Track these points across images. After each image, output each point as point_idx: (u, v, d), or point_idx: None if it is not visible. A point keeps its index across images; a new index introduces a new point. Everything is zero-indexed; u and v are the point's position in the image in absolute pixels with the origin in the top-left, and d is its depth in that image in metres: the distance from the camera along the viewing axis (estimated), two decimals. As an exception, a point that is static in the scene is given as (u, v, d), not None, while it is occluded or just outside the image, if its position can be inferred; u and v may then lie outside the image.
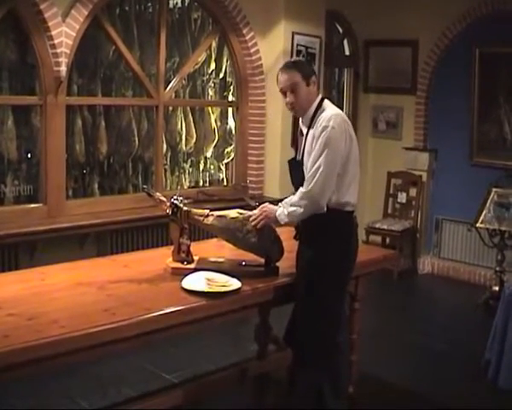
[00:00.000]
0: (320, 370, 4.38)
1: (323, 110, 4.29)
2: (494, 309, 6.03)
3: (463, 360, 6.33)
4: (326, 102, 4.38)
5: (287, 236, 4.55)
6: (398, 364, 6.23)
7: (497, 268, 7.93)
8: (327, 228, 4.26)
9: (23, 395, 4.97)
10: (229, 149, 8.50)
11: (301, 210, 4.19)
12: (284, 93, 4.35)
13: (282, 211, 4.28)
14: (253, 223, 4.38)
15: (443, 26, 8.91)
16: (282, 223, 4.30)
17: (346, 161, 4.23)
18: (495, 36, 8.39)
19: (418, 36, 9.15)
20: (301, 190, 4.20)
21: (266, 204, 4.51)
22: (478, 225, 7.92)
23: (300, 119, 4.44)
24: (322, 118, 4.21)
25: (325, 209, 4.18)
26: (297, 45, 8.00)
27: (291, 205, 4.24)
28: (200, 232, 6.15)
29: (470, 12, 8.63)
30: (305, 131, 4.38)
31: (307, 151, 4.27)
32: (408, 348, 6.64)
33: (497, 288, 7.73)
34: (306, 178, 4.20)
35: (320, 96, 4.39)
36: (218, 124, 8.47)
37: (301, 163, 4.33)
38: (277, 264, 4.46)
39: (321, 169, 4.12)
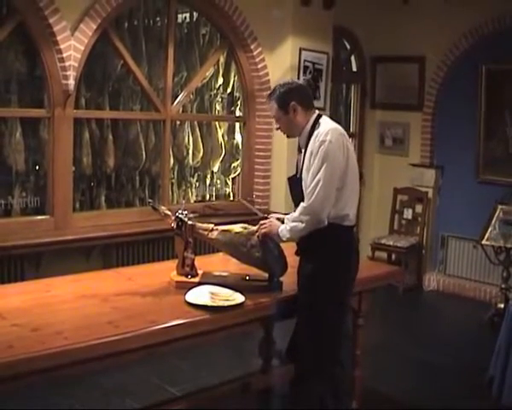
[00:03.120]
0: (321, 384, 4.39)
1: (319, 126, 4.30)
2: (499, 326, 5.98)
3: (467, 377, 6.32)
4: (323, 118, 4.39)
5: (290, 251, 4.53)
6: (402, 379, 6.22)
7: (503, 285, 7.93)
8: (326, 243, 4.26)
9: (24, 402, 4.94)
10: (235, 164, 8.52)
11: (303, 225, 4.20)
12: None
13: (284, 227, 4.30)
14: (255, 228, 4.41)
15: (450, 43, 8.95)
16: (284, 239, 4.31)
17: (345, 175, 4.24)
18: (501, 53, 8.42)
19: (425, 52, 9.19)
20: (302, 205, 4.21)
21: (272, 217, 4.55)
22: (483, 242, 7.91)
23: (298, 137, 4.46)
24: (320, 133, 4.23)
25: (326, 223, 4.19)
26: (304, 61, 8.03)
27: (292, 221, 4.25)
28: (206, 246, 6.16)
29: (477, 29, 8.67)
30: (303, 148, 4.40)
31: (305, 167, 4.28)
32: (412, 364, 6.62)
33: (502, 305, 7.70)
34: (306, 193, 4.20)
35: (316, 114, 4.39)
36: (225, 139, 8.48)
37: (301, 180, 4.34)
38: (281, 279, 4.45)
39: (320, 183, 4.13)
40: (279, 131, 4.52)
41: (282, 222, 4.94)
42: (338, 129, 4.31)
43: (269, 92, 4.51)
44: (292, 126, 4.39)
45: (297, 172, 4.48)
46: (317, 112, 4.42)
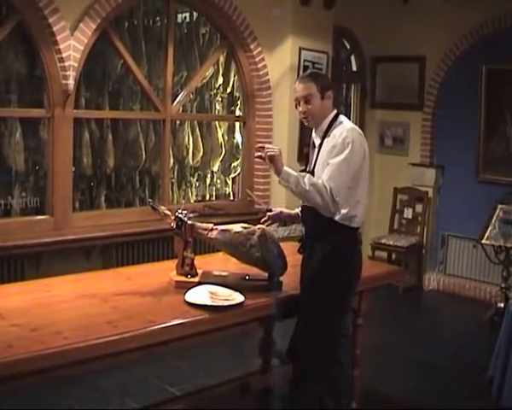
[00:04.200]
0: (320, 384, 4.39)
1: (340, 123, 4.32)
2: (499, 326, 5.97)
3: (467, 377, 6.31)
4: (342, 116, 4.41)
5: (290, 250, 4.56)
6: (401, 379, 6.21)
7: (503, 285, 7.90)
8: (331, 243, 4.26)
9: (23, 402, 4.93)
10: (235, 164, 8.51)
11: (319, 199, 4.13)
12: (298, 102, 4.38)
13: (298, 174, 4.19)
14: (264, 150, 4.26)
15: (450, 43, 8.94)
16: (285, 176, 4.16)
17: (358, 176, 4.26)
18: (502, 53, 8.42)
19: (425, 52, 9.17)
20: (326, 184, 4.14)
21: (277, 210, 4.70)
22: (483, 241, 7.89)
23: (313, 131, 4.46)
24: (341, 130, 4.25)
25: (335, 216, 4.20)
26: (304, 61, 8.01)
27: (317, 181, 4.16)
28: (206, 246, 6.15)
29: (477, 29, 8.65)
30: (317, 142, 4.39)
31: (322, 162, 4.27)
32: (412, 364, 6.61)
33: (502, 305, 7.66)
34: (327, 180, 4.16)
35: (336, 111, 4.41)
36: (225, 138, 8.48)
37: (312, 174, 4.32)
38: (281, 278, 4.43)
39: (342, 178, 4.15)
40: (300, 116, 4.45)
41: (285, 224, 4.98)
42: (357, 129, 4.36)
43: (306, 73, 4.55)
44: (320, 113, 4.34)
45: (306, 166, 4.48)
46: (335, 110, 4.44)
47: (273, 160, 4.17)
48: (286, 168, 4.18)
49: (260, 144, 4.34)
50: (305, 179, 4.14)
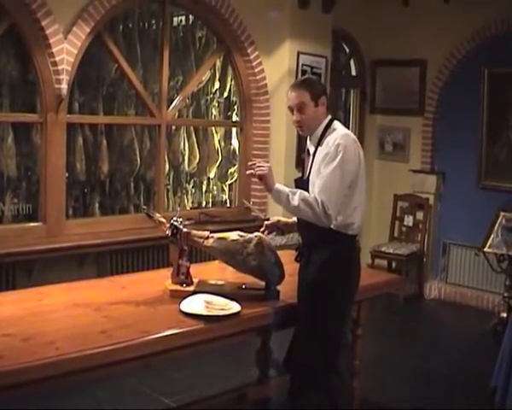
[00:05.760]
0: (319, 395, 4.32)
1: (334, 130, 4.29)
2: (502, 336, 5.93)
3: (470, 387, 6.23)
4: (336, 122, 4.37)
5: (288, 259, 4.53)
6: (402, 390, 6.13)
7: (506, 294, 7.84)
8: (328, 251, 4.22)
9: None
10: (232, 170, 8.46)
11: (310, 214, 4.10)
12: (292, 111, 4.34)
13: (289, 190, 4.16)
14: (255, 167, 4.23)
15: (451, 46, 8.88)
16: (276, 195, 4.17)
17: (354, 183, 4.23)
18: (504, 56, 8.35)
19: (426, 56, 9.11)
20: (317, 197, 4.11)
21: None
22: (486, 249, 7.84)
23: (308, 138, 4.42)
24: (334, 137, 4.21)
25: (331, 225, 4.14)
26: (302, 65, 7.95)
27: (310, 197, 4.13)
28: (202, 254, 6.09)
29: (479, 32, 8.60)
30: (312, 150, 4.36)
31: (316, 169, 4.23)
32: (413, 374, 6.53)
33: (505, 314, 7.61)
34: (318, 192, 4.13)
35: (329, 117, 4.37)
36: (222, 144, 8.43)
37: (308, 182, 4.29)
38: (278, 287, 4.41)
39: (334, 188, 4.10)
40: (294, 124, 4.41)
41: (282, 233, 4.93)
42: (351, 136, 4.33)
43: (298, 80, 4.61)
44: (314, 121, 4.30)
45: (303, 174, 4.45)
46: (329, 116, 4.40)
47: (263, 178, 4.18)
48: (277, 186, 4.18)
49: (251, 162, 4.31)
50: (296, 196, 4.13)
